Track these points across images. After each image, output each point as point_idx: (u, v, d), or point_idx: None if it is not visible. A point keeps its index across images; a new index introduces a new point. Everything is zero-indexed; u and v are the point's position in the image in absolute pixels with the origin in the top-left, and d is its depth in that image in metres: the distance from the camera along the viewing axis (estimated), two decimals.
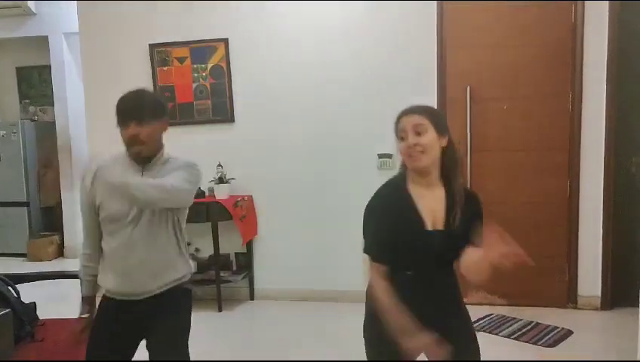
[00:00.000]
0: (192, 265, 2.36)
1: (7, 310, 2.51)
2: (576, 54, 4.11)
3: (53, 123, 6.74)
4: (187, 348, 2.24)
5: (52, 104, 6.73)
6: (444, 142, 1.87)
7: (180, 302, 2.24)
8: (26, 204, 6.73)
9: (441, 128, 1.86)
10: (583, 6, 4.05)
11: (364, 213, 1.92)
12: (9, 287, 2.91)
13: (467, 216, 1.87)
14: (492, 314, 4.16)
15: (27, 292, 2.96)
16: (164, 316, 2.18)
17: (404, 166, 1.93)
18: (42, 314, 2.92)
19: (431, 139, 1.83)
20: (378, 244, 1.87)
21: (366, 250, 1.90)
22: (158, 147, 2.18)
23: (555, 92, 4.19)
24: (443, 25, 4.28)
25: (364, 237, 1.92)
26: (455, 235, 1.85)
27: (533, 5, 4.15)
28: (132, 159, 2.16)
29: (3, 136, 6.68)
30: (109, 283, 2.21)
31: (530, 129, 4.25)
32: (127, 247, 2.14)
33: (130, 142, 2.09)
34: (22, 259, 6.52)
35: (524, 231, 4.25)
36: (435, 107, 4.27)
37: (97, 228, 2.23)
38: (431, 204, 1.88)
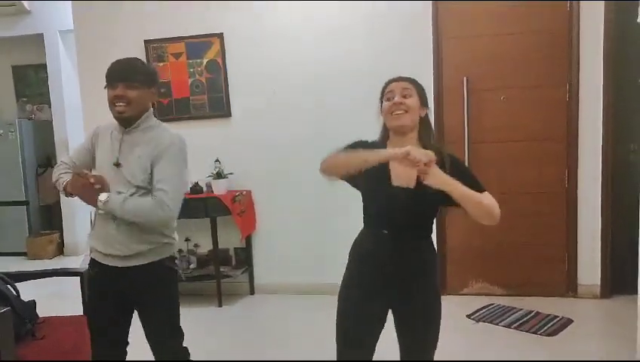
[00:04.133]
0: (176, 237, 2.36)
1: (6, 308, 2.52)
2: (572, 43, 4.10)
3: (51, 121, 6.72)
4: (178, 322, 2.35)
5: (49, 102, 6.71)
6: (423, 112, 2.02)
7: (166, 280, 2.29)
8: (25, 203, 6.73)
9: (423, 99, 2.03)
10: None
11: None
12: (8, 286, 2.92)
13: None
14: (492, 304, 4.17)
15: (28, 291, 2.96)
16: (151, 297, 2.25)
17: (384, 129, 2.06)
18: (43, 311, 2.93)
19: (415, 103, 1.98)
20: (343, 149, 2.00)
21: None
22: (142, 111, 2.20)
23: (553, 82, 4.18)
24: (438, 16, 4.26)
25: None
26: (424, 195, 1.87)
27: None
28: (115, 118, 2.19)
29: (0, 135, 6.66)
30: (95, 244, 2.29)
31: (528, 119, 4.24)
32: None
33: (114, 101, 2.14)
34: (22, 257, 6.52)
35: (523, 221, 4.29)
36: (432, 99, 4.29)
37: (82, 159, 2.34)
38: (405, 168, 1.87)
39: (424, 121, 2.03)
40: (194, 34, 4.57)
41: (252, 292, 4.74)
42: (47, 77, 6.58)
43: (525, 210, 4.28)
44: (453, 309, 3.99)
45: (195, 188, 4.46)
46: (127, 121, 2.19)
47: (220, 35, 4.53)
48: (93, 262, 2.33)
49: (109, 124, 2.28)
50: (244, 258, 4.70)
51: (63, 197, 6.60)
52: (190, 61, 4.61)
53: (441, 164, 1.85)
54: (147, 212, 2.13)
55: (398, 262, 1.95)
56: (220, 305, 4.45)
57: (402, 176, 1.94)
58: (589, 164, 4.15)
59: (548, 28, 4.15)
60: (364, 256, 2.04)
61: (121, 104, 2.13)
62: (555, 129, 4.22)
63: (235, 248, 4.72)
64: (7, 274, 3.01)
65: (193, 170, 4.65)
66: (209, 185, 4.49)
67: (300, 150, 4.53)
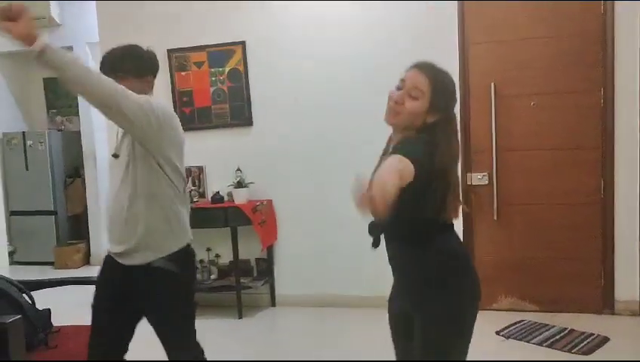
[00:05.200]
0: (189, 234, 2.26)
1: (18, 316, 2.48)
2: (607, 47, 3.91)
3: (79, 132, 6.82)
4: (192, 332, 2.25)
5: (78, 114, 6.81)
6: (431, 118, 1.73)
7: (168, 290, 2.18)
8: (54, 213, 6.81)
9: (435, 104, 1.72)
10: None
11: None
12: (24, 294, 2.90)
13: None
14: (523, 321, 3.98)
15: (52, 299, 2.94)
16: (155, 306, 2.18)
17: None
18: (65, 320, 2.90)
19: (417, 108, 1.71)
20: None
21: None
22: None
23: (586, 87, 4.00)
24: (464, 20, 4.14)
25: None
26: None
27: None
28: None
29: (30, 145, 6.78)
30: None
31: (560, 126, 4.06)
32: (110, 193, 2.21)
33: None
34: (49, 267, 6.58)
35: (555, 233, 4.11)
36: (458, 106, 4.15)
37: None
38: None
39: (431, 129, 1.71)
40: (216, 42, 4.55)
41: (273, 304, 4.64)
42: None
43: (558, 221, 4.09)
44: (482, 325, 3.76)
45: (216, 198, 4.41)
46: None
47: (242, 43, 4.50)
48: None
49: None
50: (265, 269, 4.61)
51: (89, 207, 6.68)
52: (212, 70, 4.59)
53: None
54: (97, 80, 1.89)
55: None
56: (241, 317, 4.37)
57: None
58: (626, 172, 3.94)
59: (580, 31, 3.97)
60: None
61: None
62: (589, 136, 4.02)
63: (256, 259, 4.64)
64: (24, 283, 3.01)
65: (214, 179, 4.68)
66: (230, 195, 4.43)
67: (322, 159, 4.44)
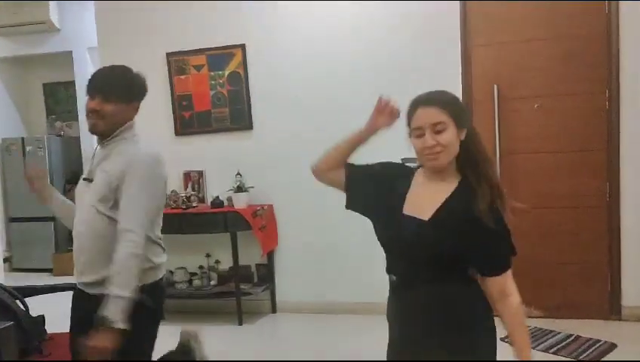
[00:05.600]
0: (163, 258, 2.13)
1: (10, 323, 2.43)
2: (611, 48, 3.86)
3: (79, 138, 6.77)
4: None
5: (77, 119, 6.77)
6: (462, 135, 1.65)
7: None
8: (52, 219, 6.74)
9: (461, 122, 1.64)
10: None
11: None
12: (17, 301, 2.84)
13: (480, 213, 1.57)
14: (529, 327, 3.89)
15: (48, 306, 2.87)
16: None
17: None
18: (60, 328, 2.82)
19: (451, 136, 1.62)
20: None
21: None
22: (117, 126, 2.04)
23: (590, 88, 3.94)
24: (467, 22, 4.09)
25: None
26: (441, 229, 1.58)
27: None
28: (89, 130, 2.06)
29: (29, 151, 6.74)
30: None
31: (564, 129, 4.00)
32: (79, 218, 2.07)
33: (88, 115, 2.02)
34: (48, 274, 6.51)
35: (561, 237, 4.05)
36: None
37: None
38: (428, 194, 1.65)
39: (465, 145, 1.66)
40: (215, 45, 4.50)
41: (274, 311, 4.57)
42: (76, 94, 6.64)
43: (563, 225, 4.03)
44: None
45: (216, 202, 4.35)
46: (101, 135, 2.05)
47: (242, 46, 4.45)
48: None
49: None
50: (266, 275, 4.54)
51: None
52: (212, 73, 4.54)
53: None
54: (129, 265, 1.89)
55: (406, 321, 1.66)
56: (241, 324, 4.30)
57: (422, 204, 1.65)
58: (632, 175, 3.88)
59: (584, 31, 3.92)
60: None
61: (94, 118, 2.00)
62: (593, 139, 3.96)
63: (256, 264, 4.57)
64: (18, 289, 2.95)
65: (214, 184, 4.62)
66: (230, 199, 4.37)
67: None
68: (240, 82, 4.50)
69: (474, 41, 4.10)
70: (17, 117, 7.29)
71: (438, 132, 1.61)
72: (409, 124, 1.69)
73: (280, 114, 4.47)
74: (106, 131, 2.03)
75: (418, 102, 1.67)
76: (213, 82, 4.55)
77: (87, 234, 2.00)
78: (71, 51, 6.54)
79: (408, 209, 1.66)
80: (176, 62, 4.61)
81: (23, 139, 6.84)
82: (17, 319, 2.63)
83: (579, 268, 4.03)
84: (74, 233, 2.06)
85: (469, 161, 1.66)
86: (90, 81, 2.03)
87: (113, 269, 1.89)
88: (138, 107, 2.10)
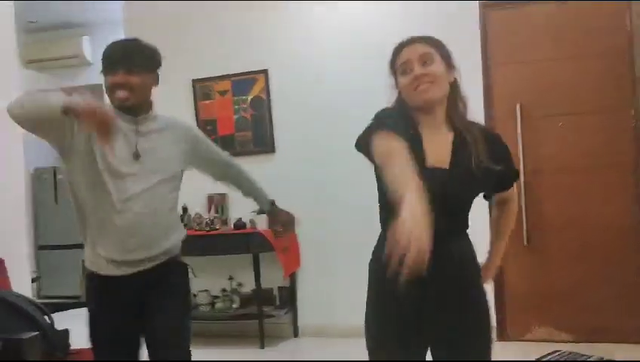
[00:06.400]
0: (184, 230, 2.19)
1: (36, 333, 2.46)
2: (635, 64, 3.82)
3: None
4: (189, 333, 2.10)
5: None
6: (451, 76, 1.63)
7: (179, 279, 2.11)
8: (81, 246, 6.83)
9: (448, 60, 1.63)
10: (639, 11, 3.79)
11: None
12: (45, 316, 2.88)
13: (486, 161, 1.59)
14: (558, 351, 3.75)
15: (74, 324, 2.89)
16: (161, 296, 2.02)
17: (401, 106, 1.66)
18: (84, 344, 2.84)
19: (440, 68, 1.60)
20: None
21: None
22: (146, 98, 2.02)
23: (615, 106, 3.89)
24: (487, 41, 4.11)
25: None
26: (461, 176, 1.58)
27: (583, 14, 3.92)
28: (115, 106, 1.95)
29: (60, 179, 6.90)
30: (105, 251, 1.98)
31: (590, 147, 3.94)
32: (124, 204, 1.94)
33: (114, 90, 1.93)
34: (75, 301, 6.58)
35: (589, 259, 3.94)
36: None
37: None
38: (437, 148, 1.62)
39: (454, 88, 1.64)
40: (239, 71, 4.61)
41: (296, 334, 4.52)
42: None
43: (592, 245, 3.92)
44: (514, 357, 3.62)
45: (238, 224, 4.38)
46: (130, 110, 1.97)
47: (265, 72, 4.55)
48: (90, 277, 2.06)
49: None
50: (288, 297, 4.51)
51: None
52: (235, 98, 4.64)
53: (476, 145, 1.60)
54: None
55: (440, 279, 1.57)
56: (262, 347, 4.26)
57: (437, 153, 1.60)
58: None
59: (606, 48, 3.89)
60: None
61: (123, 92, 1.92)
62: (620, 156, 3.89)
63: (279, 287, 4.55)
64: (44, 304, 2.99)
65: (237, 207, 4.65)
66: (252, 222, 4.39)
67: (347, 185, 4.38)
68: (262, 107, 4.58)
69: (495, 59, 4.10)
70: (49, 147, 7.50)
71: (426, 63, 1.58)
72: (393, 68, 1.67)
73: (301, 137, 4.52)
74: (136, 105, 1.97)
75: (402, 44, 1.66)
76: (237, 107, 4.64)
77: (150, 211, 1.97)
78: (101, 84, 6.73)
79: (429, 160, 1.60)
80: (202, 88, 4.73)
81: (54, 168, 7.03)
82: (43, 331, 2.66)
83: (612, 289, 3.90)
84: (122, 213, 1.92)
85: (458, 115, 1.65)
86: (109, 56, 1.94)
87: (253, 183, 2.47)
88: (158, 76, 2.08)
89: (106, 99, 5.91)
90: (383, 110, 1.71)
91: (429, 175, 1.51)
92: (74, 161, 1.96)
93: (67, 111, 1.71)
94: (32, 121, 1.86)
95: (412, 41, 1.64)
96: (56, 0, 5.75)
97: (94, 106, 1.70)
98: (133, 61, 1.93)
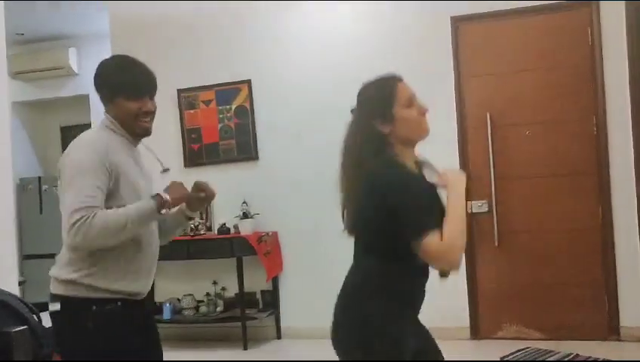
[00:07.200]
0: None
1: (24, 327, 2.55)
2: (597, 76, 4.06)
3: None
4: None
5: None
6: None
7: None
8: None
9: None
10: (600, 27, 4.04)
11: (384, 191, 1.64)
12: (33, 315, 2.97)
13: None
14: (527, 348, 3.93)
15: None
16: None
17: (381, 142, 1.71)
18: None
19: None
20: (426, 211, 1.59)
21: (415, 232, 1.55)
22: None
23: (578, 115, 4.13)
24: (459, 54, 4.32)
25: (404, 218, 1.59)
26: None
27: (548, 30, 4.16)
28: (135, 133, 1.96)
29: (45, 190, 6.97)
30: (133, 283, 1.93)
31: (555, 154, 4.17)
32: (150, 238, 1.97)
33: (142, 116, 1.92)
34: None
35: (556, 260, 4.14)
36: (456, 134, 4.27)
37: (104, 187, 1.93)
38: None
39: None
40: (223, 81, 4.78)
41: (278, 337, 4.65)
42: None
43: (558, 247, 4.13)
44: (486, 354, 3.79)
45: (222, 229, 4.52)
46: (145, 136, 2.01)
47: (248, 82, 4.72)
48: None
49: (104, 138, 1.94)
50: (270, 300, 4.65)
51: None
52: (220, 107, 4.80)
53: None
54: None
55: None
56: (246, 349, 4.38)
57: None
58: (624, 197, 4.00)
59: (570, 62, 4.14)
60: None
61: (147, 120, 1.93)
62: (584, 163, 4.12)
63: (261, 290, 4.68)
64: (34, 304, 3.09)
65: (221, 213, 4.78)
66: (236, 227, 4.54)
67: (327, 191, 4.52)
68: (246, 115, 4.75)
69: (466, 71, 4.32)
70: (34, 157, 7.57)
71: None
72: (391, 102, 1.70)
73: (284, 145, 4.69)
74: None
75: (394, 78, 1.75)
76: (221, 116, 4.80)
77: (157, 241, 2.03)
78: (88, 95, 6.85)
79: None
80: (187, 97, 4.88)
81: (39, 178, 7.09)
82: (31, 327, 2.76)
83: (576, 289, 4.11)
84: (149, 246, 1.96)
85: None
86: (139, 82, 1.92)
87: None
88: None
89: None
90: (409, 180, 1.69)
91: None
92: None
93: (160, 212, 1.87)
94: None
95: (400, 77, 1.76)
96: (43, 11, 5.87)
97: (180, 196, 1.95)
98: (155, 88, 1.96)
